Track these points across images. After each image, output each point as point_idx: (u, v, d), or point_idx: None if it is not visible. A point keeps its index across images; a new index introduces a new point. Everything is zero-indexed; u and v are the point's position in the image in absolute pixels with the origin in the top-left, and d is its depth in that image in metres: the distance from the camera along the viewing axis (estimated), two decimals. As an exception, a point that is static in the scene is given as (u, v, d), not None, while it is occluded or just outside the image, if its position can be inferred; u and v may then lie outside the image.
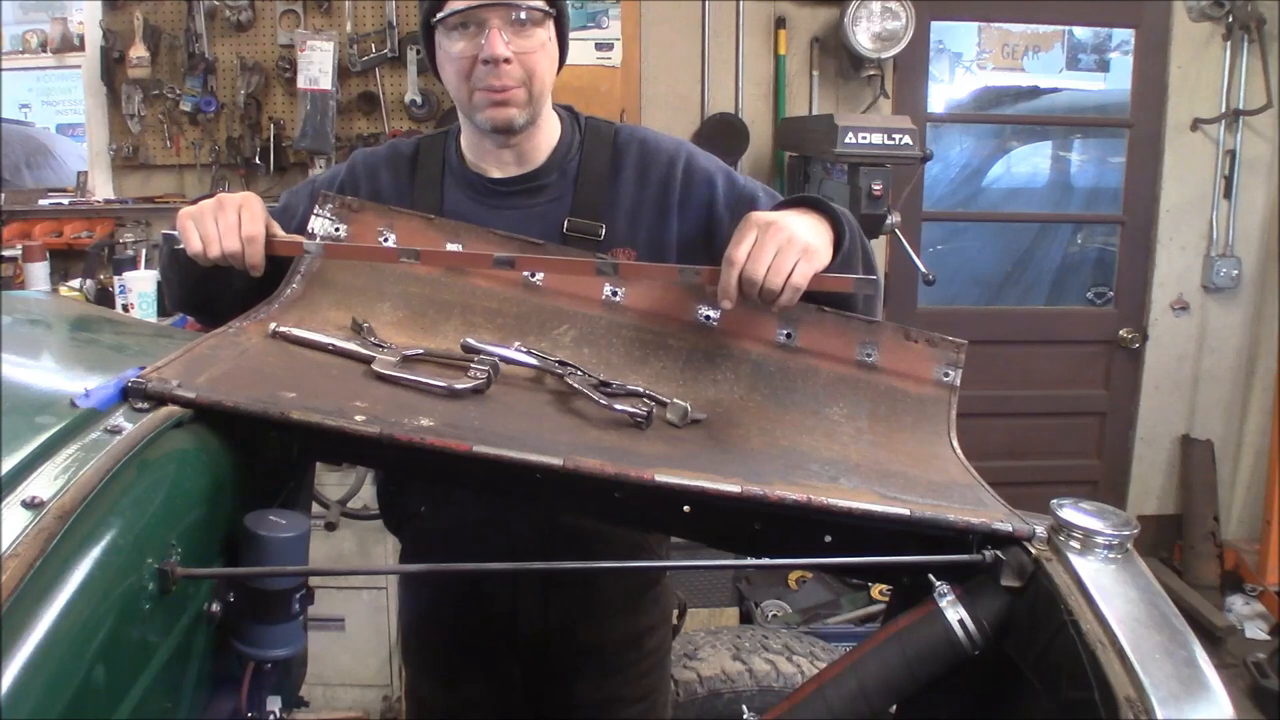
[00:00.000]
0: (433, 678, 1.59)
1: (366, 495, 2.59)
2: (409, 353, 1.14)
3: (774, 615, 3.16)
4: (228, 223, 1.20)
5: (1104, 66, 3.98)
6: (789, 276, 1.11)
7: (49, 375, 1.07)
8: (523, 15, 1.26)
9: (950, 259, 4.09)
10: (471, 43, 1.26)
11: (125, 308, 2.94)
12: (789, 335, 1.26)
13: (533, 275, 1.28)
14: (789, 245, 1.12)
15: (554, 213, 1.37)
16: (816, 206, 1.23)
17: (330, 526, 1.89)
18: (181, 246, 1.24)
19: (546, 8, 1.28)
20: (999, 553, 0.91)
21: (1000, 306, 4.09)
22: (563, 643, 1.48)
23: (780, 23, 3.47)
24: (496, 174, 1.39)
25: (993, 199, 4.22)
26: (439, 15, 1.27)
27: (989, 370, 3.62)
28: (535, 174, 1.38)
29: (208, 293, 1.33)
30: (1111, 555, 0.88)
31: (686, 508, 1.02)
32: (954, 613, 0.89)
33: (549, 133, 1.39)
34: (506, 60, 1.26)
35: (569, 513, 1.31)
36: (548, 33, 1.30)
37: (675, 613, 1.67)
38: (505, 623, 1.47)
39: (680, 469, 0.94)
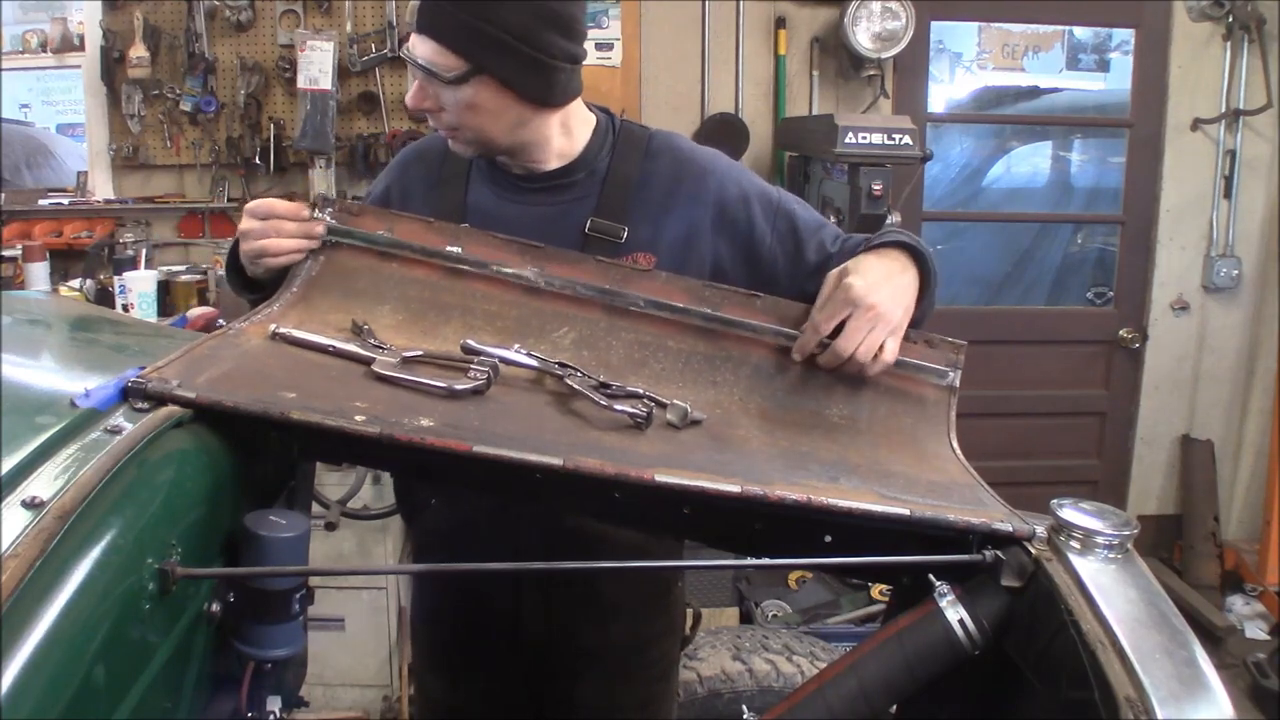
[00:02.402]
0: (437, 673, 1.60)
1: (366, 495, 2.59)
2: (409, 354, 1.14)
3: (774, 615, 3.16)
4: (265, 225, 1.27)
5: (1104, 66, 3.98)
6: (878, 354, 1.17)
7: (49, 375, 1.07)
8: (442, 76, 1.25)
9: (950, 259, 4.09)
10: (415, 77, 1.30)
11: (125, 308, 2.94)
12: (789, 337, 1.25)
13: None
14: (882, 326, 1.16)
15: (577, 211, 1.36)
16: (902, 246, 1.25)
17: (330, 526, 1.89)
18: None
19: (459, 71, 1.24)
20: (999, 553, 0.91)
21: (1000, 306, 4.09)
22: (563, 644, 1.48)
23: (780, 23, 3.47)
24: (520, 170, 1.39)
25: (993, 199, 4.21)
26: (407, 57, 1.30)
27: (989, 370, 3.62)
28: (562, 171, 1.38)
29: None
30: (1111, 555, 0.88)
31: (686, 509, 1.02)
32: (954, 613, 0.89)
33: (576, 135, 1.38)
34: (432, 110, 1.30)
35: (569, 513, 1.32)
36: (474, 89, 1.25)
37: (689, 623, 1.65)
38: (506, 621, 1.47)
39: (680, 469, 0.94)
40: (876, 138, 2.76)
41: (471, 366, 1.09)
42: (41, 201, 3.60)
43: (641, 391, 1.13)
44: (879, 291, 1.17)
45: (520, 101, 1.28)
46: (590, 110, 1.41)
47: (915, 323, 1.24)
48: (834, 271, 1.22)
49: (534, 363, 1.15)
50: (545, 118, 1.32)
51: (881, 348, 1.17)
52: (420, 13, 1.24)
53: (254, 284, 1.35)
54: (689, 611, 1.64)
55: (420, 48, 1.25)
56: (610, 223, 1.35)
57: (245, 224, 1.29)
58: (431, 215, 1.34)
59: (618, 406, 1.07)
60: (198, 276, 3.27)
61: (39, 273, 3.12)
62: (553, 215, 1.36)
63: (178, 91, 3.36)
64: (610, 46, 3.32)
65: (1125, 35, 3.76)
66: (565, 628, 1.47)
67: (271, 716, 0.93)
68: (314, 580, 0.96)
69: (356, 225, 1.31)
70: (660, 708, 1.59)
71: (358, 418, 0.92)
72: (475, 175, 1.41)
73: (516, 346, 1.18)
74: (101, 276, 3.14)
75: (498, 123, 1.30)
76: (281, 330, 1.14)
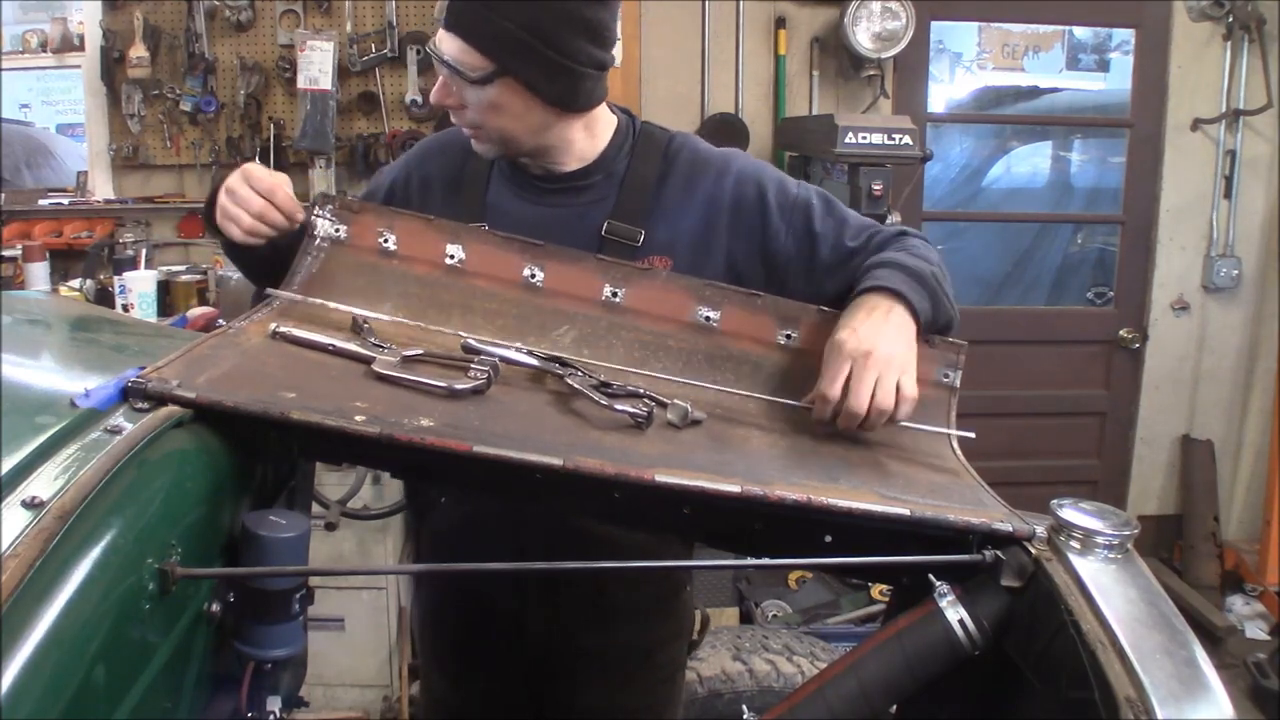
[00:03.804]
0: (441, 672, 1.60)
1: (366, 495, 2.59)
2: (409, 353, 1.14)
3: (774, 615, 3.16)
4: (243, 194, 1.26)
5: (1104, 66, 3.98)
6: (895, 408, 1.12)
7: (49, 375, 1.07)
8: (466, 75, 1.24)
9: (950, 259, 4.04)
10: (439, 74, 1.29)
11: (125, 308, 2.94)
12: (789, 336, 1.26)
13: (533, 275, 1.28)
14: (887, 369, 1.12)
15: (595, 213, 1.36)
16: (880, 290, 1.20)
17: (330, 526, 1.89)
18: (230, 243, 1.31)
19: (484, 72, 1.23)
20: (999, 553, 0.91)
21: (1000, 306, 4.09)
22: (566, 646, 1.47)
23: (780, 23, 3.47)
24: (539, 170, 1.38)
25: (993, 199, 4.22)
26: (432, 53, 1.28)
27: (989, 370, 3.62)
28: (581, 173, 1.37)
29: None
30: (1111, 555, 0.88)
31: (686, 509, 1.02)
32: (954, 613, 0.89)
33: (598, 138, 1.37)
34: (455, 107, 1.29)
35: (569, 513, 1.32)
36: (498, 90, 1.25)
37: (697, 626, 1.64)
38: (509, 622, 1.47)
39: (680, 469, 0.94)
40: (876, 138, 2.76)
41: (472, 365, 1.09)
42: (41, 201, 3.60)
43: (642, 391, 1.13)
44: (872, 339, 1.13)
45: (544, 106, 1.28)
46: (612, 111, 1.41)
47: (942, 331, 1.25)
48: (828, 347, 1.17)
49: (534, 362, 1.15)
50: (568, 122, 1.32)
51: (899, 389, 1.12)
52: (450, 10, 1.23)
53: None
54: (697, 615, 1.64)
55: (447, 44, 1.24)
56: (627, 225, 1.34)
57: (238, 186, 1.27)
58: (450, 212, 1.34)
59: (618, 406, 1.07)
60: (198, 276, 3.27)
61: (39, 273, 3.12)
62: (570, 217, 1.36)
63: (178, 91, 3.36)
64: (610, 46, 3.32)
65: (1125, 35, 3.77)
66: (568, 629, 1.46)
67: (271, 716, 0.93)
68: (314, 580, 0.96)
69: (356, 223, 1.31)
70: (665, 711, 1.59)
71: (358, 418, 0.92)
72: (496, 174, 1.41)
73: (517, 345, 1.18)
74: (101, 276, 3.14)
75: (520, 124, 1.29)
76: (282, 329, 1.14)
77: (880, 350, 1.13)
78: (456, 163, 1.43)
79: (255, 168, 1.29)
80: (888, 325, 1.17)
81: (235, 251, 1.34)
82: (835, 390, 1.12)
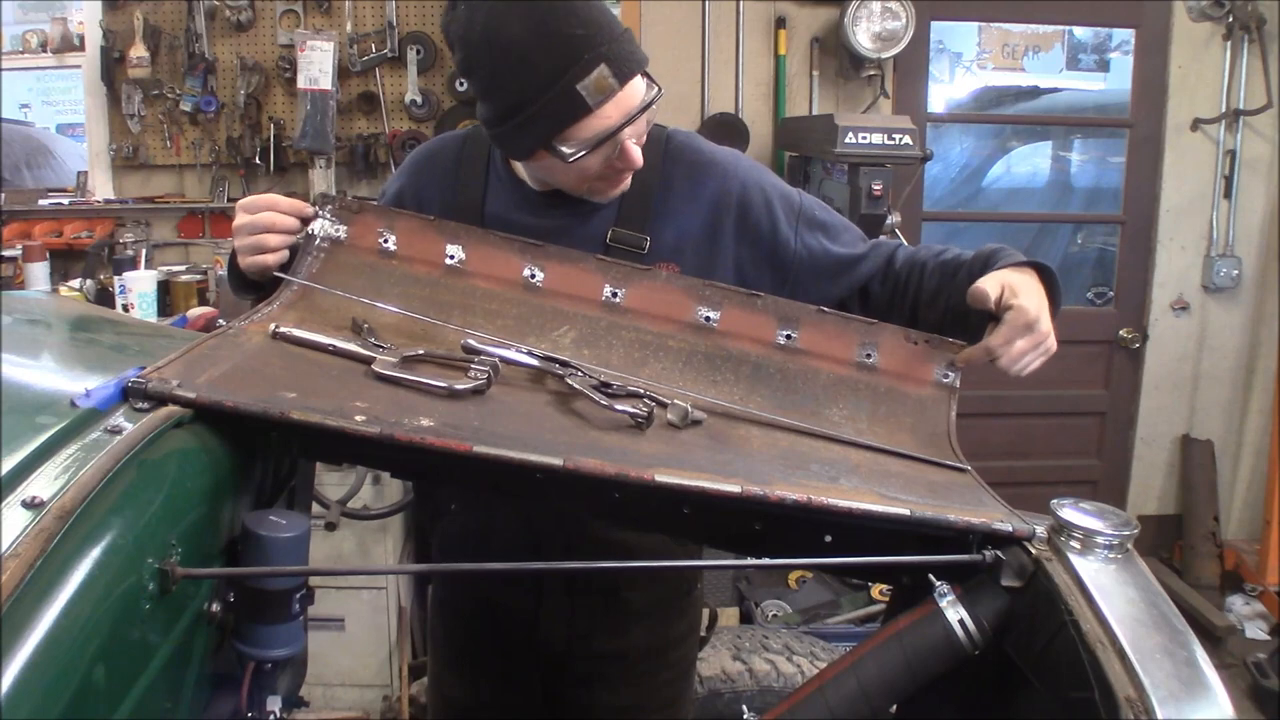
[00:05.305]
0: (454, 675, 1.59)
1: (366, 495, 2.60)
2: (409, 353, 1.14)
3: (774, 615, 3.16)
4: (244, 223, 1.25)
5: (1104, 66, 3.98)
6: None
7: (49, 375, 1.07)
8: (657, 100, 1.22)
9: (950, 259, 4.08)
10: (603, 154, 1.23)
11: (125, 308, 2.94)
12: (789, 336, 1.26)
13: (533, 275, 1.28)
14: (1045, 349, 1.25)
15: (598, 221, 1.34)
16: (1034, 266, 1.29)
17: (330, 526, 1.90)
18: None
19: (656, 88, 1.23)
20: (999, 553, 0.91)
21: (1000, 306, 4.08)
22: (583, 649, 1.47)
23: (780, 23, 3.47)
24: (538, 186, 1.36)
25: (993, 199, 4.21)
26: (571, 153, 1.20)
27: (989, 370, 3.60)
28: None
29: None
30: (1111, 555, 0.88)
31: (686, 509, 1.02)
32: (954, 613, 0.89)
33: None
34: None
35: (569, 512, 1.31)
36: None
37: (705, 622, 1.65)
38: (526, 625, 1.46)
39: (680, 469, 0.94)
40: (876, 138, 2.76)
41: (472, 366, 1.09)
42: (41, 201, 3.60)
43: (642, 391, 1.13)
44: (1046, 317, 1.21)
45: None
46: None
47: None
48: (988, 286, 1.21)
49: (534, 361, 1.15)
50: None
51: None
52: (619, 61, 1.17)
53: (255, 284, 1.32)
54: (705, 611, 1.64)
55: (637, 87, 1.20)
56: (632, 233, 1.33)
57: (240, 219, 1.26)
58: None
59: (618, 406, 1.07)
60: (198, 276, 3.28)
61: (39, 273, 3.12)
62: (573, 226, 1.34)
63: (178, 91, 3.36)
64: (610, 46, 3.32)
65: (1125, 35, 3.76)
66: (586, 632, 1.46)
67: (271, 716, 0.93)
68: (314, 580, 0.95)
69: (356, 223, 1.31)
70: (680, 708, 1.59)
71: (358, 418, 0.92)
72: (494, 183, 1.39)
73: (517, 345, 1.18)
74: (101, 276, 3.14)
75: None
76: (282, 329, 1.14)
77: (1046, 326, 1.23)
78: (449, 172, 1.41)
79: (245, 200, 1.28)
80: (1040, 294, 1.25)
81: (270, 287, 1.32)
82: (1006, 350, 1.22)
